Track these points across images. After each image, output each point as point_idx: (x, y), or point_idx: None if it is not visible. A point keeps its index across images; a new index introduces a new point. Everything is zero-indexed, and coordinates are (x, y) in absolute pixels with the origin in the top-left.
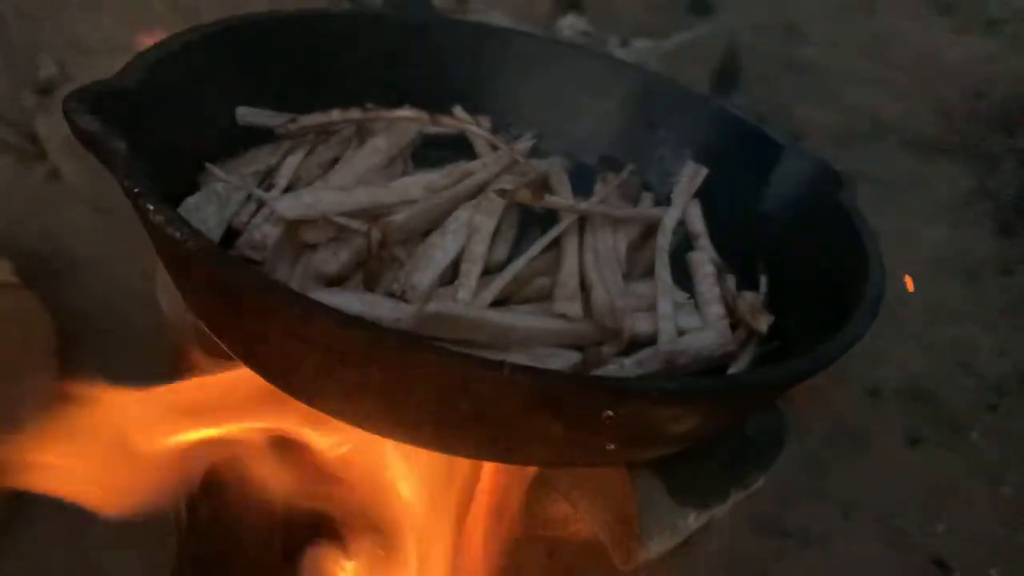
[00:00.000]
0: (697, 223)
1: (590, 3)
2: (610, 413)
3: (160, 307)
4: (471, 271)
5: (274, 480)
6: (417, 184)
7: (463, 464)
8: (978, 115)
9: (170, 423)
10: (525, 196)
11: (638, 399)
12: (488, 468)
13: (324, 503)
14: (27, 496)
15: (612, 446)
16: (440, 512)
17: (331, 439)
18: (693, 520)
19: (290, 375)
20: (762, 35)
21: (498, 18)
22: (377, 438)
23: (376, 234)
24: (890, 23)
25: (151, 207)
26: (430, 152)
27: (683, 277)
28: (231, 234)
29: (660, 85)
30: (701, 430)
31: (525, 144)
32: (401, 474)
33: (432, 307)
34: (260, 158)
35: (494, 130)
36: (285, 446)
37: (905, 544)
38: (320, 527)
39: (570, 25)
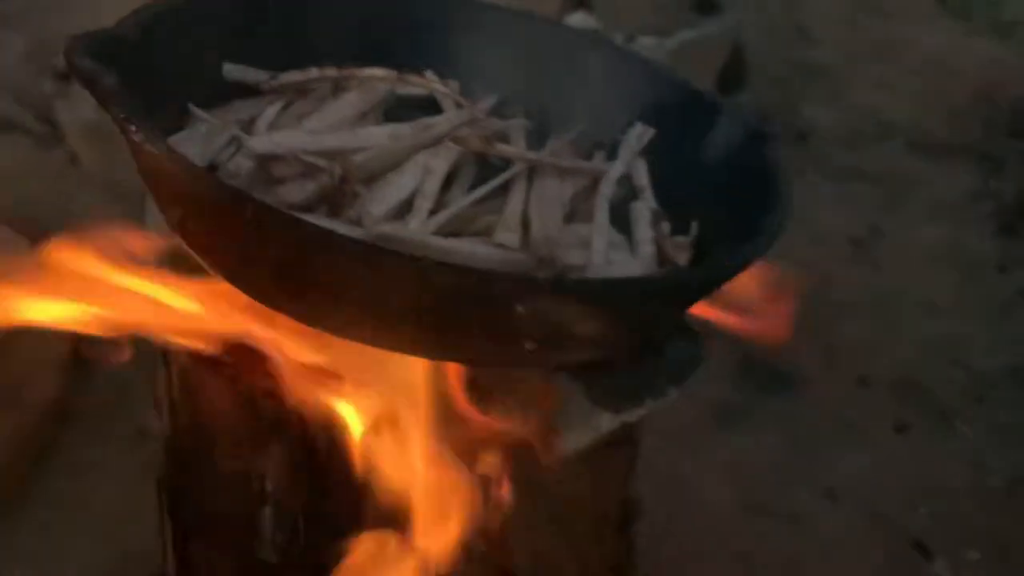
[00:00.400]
0: (642, 177)
1: (598, 1)
2: (520, 308)
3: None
4: (422, 206)
5: (239, 379)
6: (382, 133)
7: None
8: (986, 117)
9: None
10: (476, 143)
11: (541, 291)
12: (437, 376)
13: (283, 398)
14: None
15: (530, 345)
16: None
17: (290, 341)
18: (607, 421)
19: (264, 285)
20: (772, 36)
21: None
22: (332, 339)
23: (337, 170)
24: (902, 26)
25: (134, 128)
26: (403, 112)
27: (626, 226)
28: (212, 171)
29: (616, 55)
30: (606, 334)
31: (486, 103)
32: (351, 372)
33: (382, 228)
34: (243, 109)
35: (462, 94)
36: (248, 348)
37: (886, 526)
38: (281, 420)
39: (578, 21)
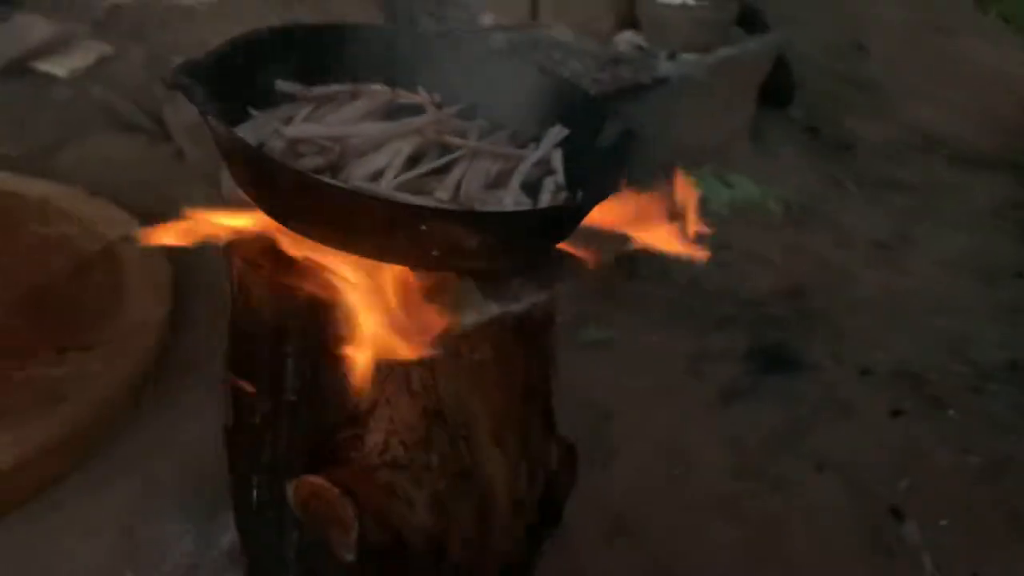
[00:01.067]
0: (556, 163)
1: (646, 21)
2: (424, 227)
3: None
4: (389, 173)
5: (271, 276)
6: (373, 126)
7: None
8: None
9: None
10: (431, 134)
11: (432, 216)
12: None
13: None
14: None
15: (436, 252)
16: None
17: (304, 249)
18: (495, 308)
19: (281, 210)
20: (829, 52)
21: (562, 31)
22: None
23: (338, 148)
24: (964, 42)
25: (211, 119)
26: (403, 113)
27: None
28: (259, 147)
29: (547, 78)
30: (487, 249)
31: (453, 109)
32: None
33: (359, 184)
34: (287, 110)
35: (440, 104)
36: (280, 256)
37: (867, 495)
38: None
39: (627, 40)
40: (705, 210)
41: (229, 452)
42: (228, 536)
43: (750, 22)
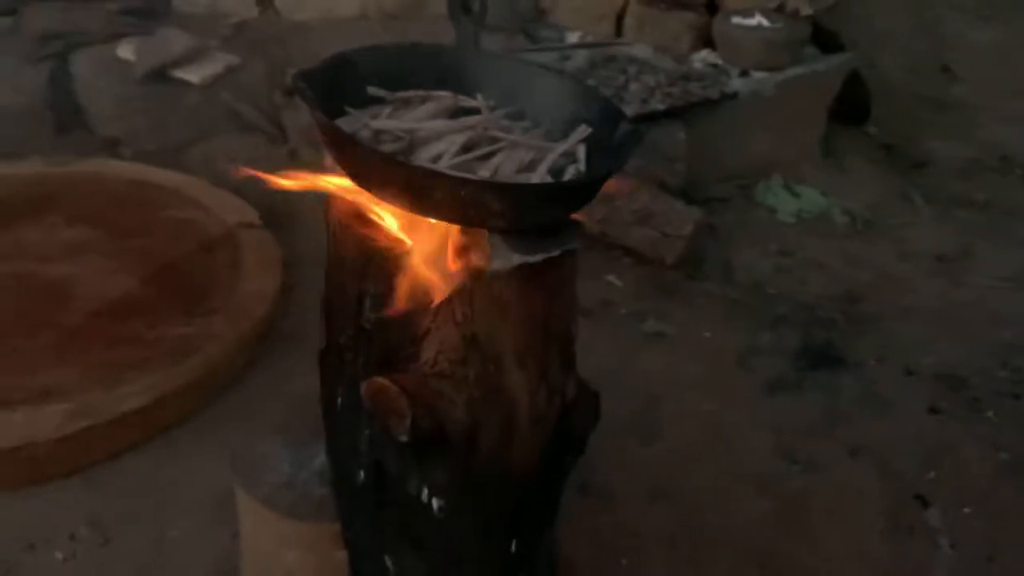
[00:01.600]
0: (580, 153)
1: (720, 41)
2: (462, 193)
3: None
4: (445, 157)
5: (359, 234)
6: (438, 123)
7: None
8: None
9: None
10: (480, 131)
11: (468, 185)
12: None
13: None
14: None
15: (472, 213)
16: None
17: (382, 210)
18: (516, 259)
19: (365, 179)
20: (912, 73)
21: (642, 49)
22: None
23: (408, 138)
24: None
25: (317, 113)
26: (462, 116)
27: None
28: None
29: (578, 86)
30: (510, 210)
31: (502, 112)
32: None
33: (423, 163)
34: (373, 110)
35: (493, 107)
36: (363, 215)
37: (896, 482)
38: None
39: (702, 58)
40: (773, 219)
41: (321, 371)
42: (318, 460)
43: (825, 42)
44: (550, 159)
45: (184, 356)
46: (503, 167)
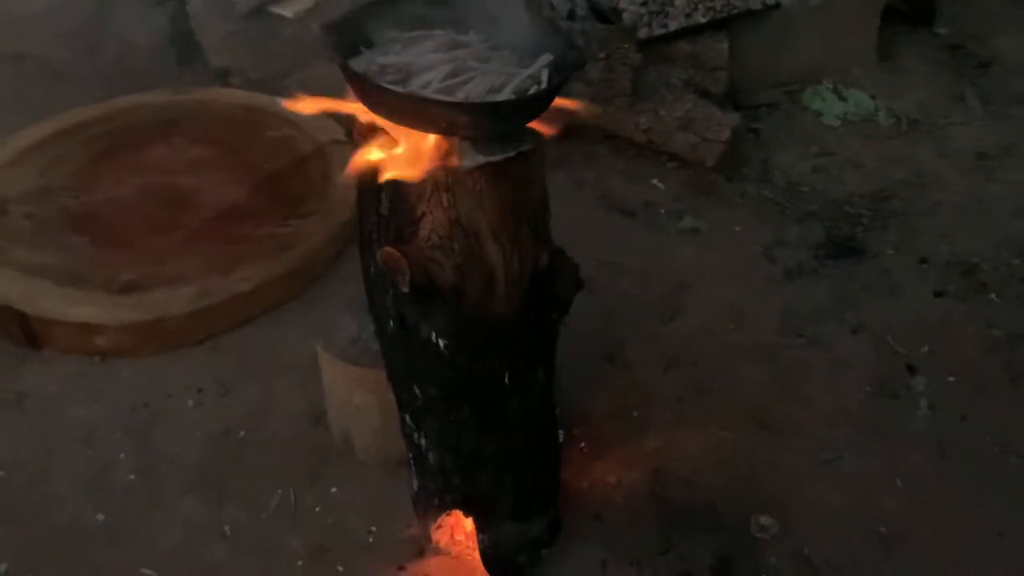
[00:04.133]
0: (543, 76)
1: None
2: (435, 110)
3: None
4: (432, 83)
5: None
6: (430, 57)
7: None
8: None
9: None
10: (461, 60)
11: (440, 104)
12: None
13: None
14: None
15: (445, 125)
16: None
17: (383, 124)
18: (481, 159)
19: (369, 103)
20: None
21: None
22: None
23: (406, 69)
24: None
25: (332, 55)
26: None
27: None
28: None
29: (544, 22)
30: (471, 123)
31: (486, 44)
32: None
33: (413, 89)
34: (384, 49)
35: (483, 42)
36: (374, 129)
37: (889, 354)
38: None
39: None
40: (817, 123)
41: (360, 250)
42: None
43: None
44: (515, 82)
45: (284, 250)
46: (474, 90)
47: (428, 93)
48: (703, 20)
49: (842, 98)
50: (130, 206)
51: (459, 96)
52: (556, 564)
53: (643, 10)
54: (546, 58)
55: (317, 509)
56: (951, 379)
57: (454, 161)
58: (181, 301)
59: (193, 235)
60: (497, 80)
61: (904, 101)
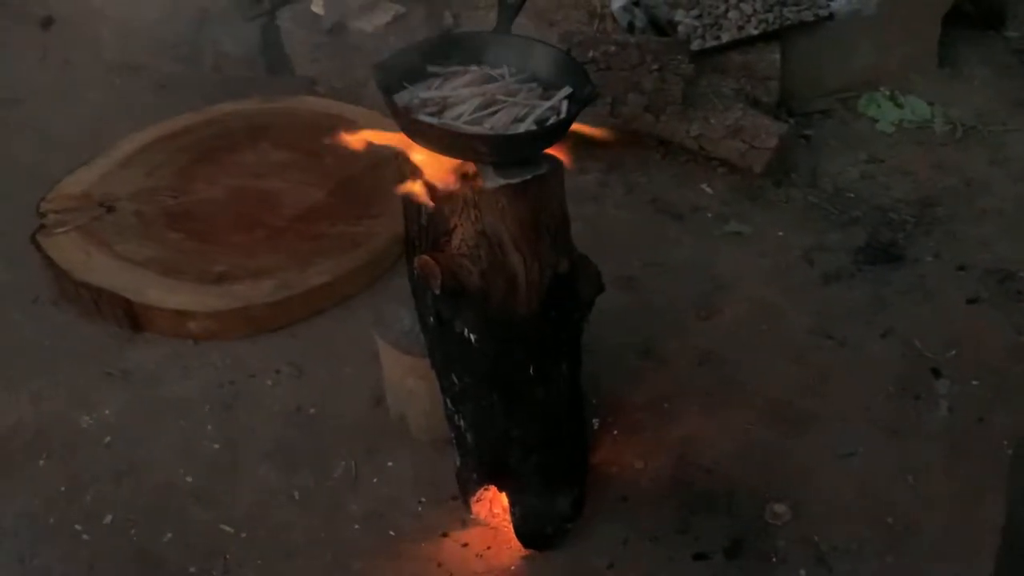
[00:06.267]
0: (563, 108)
1: None
2: (460, 139)
3: None
4: (464, 115)
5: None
6: (464, 91)
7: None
8: None
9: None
10: (490, 94)
11: (464, 135)
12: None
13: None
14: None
15: (472, 153)
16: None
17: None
18: (501, 181)
19: (407, 133)
20: None
21: None
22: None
23: (441, 104)
24: None
25: (380, 91)
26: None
27: None
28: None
29: (562, 57)
30: (492, 151)
31: (516, 78)
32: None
33: (446, 122)
34: (425, 84)
35: (512, 75)
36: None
37: (916, 357)
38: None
39: None
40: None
41: (406, 255)
42: None
43: None
44: (536, 113)
45: (356, 247)
46: (499, 120)
47: (457, 125)
48: (755, 32)
49: (898, 105)
50: (221, 205)
51: (486, 126)
52: (582, 538)
53: (697, 23)
54: (565, 91)
55: (374, 480)
56: (974, 383)
57: (479, 182)
58: (264, 292)
59: (276, 233)
60: (521, 111)
61: (962, 107)
